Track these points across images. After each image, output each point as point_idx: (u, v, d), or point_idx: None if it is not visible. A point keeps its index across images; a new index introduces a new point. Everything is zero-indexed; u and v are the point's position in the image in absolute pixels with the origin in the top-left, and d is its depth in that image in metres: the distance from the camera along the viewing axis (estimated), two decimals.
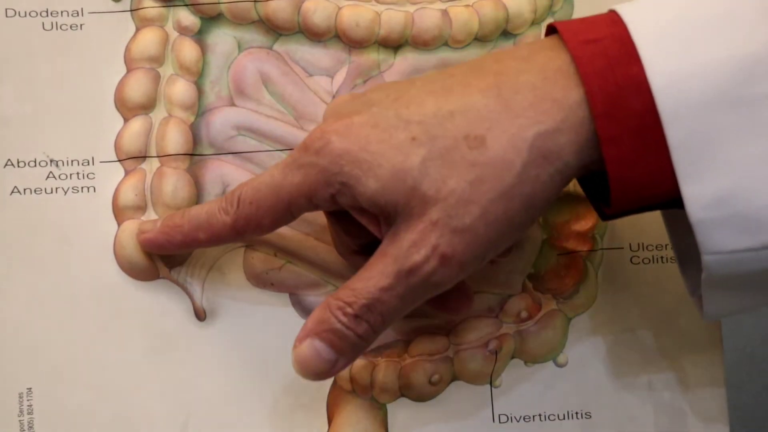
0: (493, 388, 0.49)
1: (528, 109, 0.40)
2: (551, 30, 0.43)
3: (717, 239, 0.40)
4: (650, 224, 0.50)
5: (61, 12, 0.49)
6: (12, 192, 0.48)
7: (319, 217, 0.48)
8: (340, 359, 0.42)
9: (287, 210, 0.43)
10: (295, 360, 0.43)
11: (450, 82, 0.42)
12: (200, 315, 0.49)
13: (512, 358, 0.49)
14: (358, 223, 0.43)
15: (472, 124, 0.40)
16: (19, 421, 0.48)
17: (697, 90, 0.40)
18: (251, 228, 0.44)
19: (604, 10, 0.50)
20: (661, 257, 0.50)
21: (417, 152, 0.40)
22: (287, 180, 0.43)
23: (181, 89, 0.49)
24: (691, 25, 0.41)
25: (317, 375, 0.43)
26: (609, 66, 0.40)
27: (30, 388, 0.48)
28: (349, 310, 0.42)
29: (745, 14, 0.40)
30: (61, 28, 0.49)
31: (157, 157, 0.49)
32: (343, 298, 0.42)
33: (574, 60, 0.40)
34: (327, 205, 0.42)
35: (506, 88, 0.41)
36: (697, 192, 0.40)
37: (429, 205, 0.40)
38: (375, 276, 0.41)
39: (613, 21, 0.41)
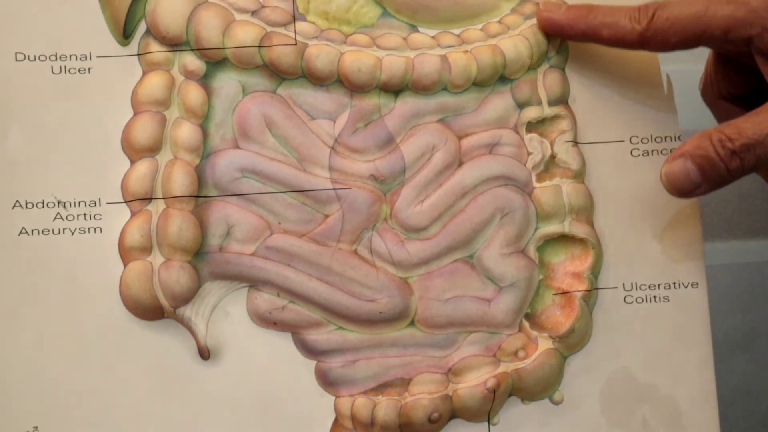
0: (491, 426, 0.50)
1: None
2: None
3: None
4: (643, 264, 0.51)
5: (70, 56, 0.49)
6: (20, 233, 0.48)
7: (321, 258, 0.49)
8: (703, 185, 0.46)
9: (699, 37, 0.46)
10: (665, 173, 0.46)
11: None
12: (204, 354, 0.49)
13: (509, 395, 0.49)
14: (740, 72, 0.48)
15: None
16: None
17: None
18: (657, 41, 0.47)
19: (598, 55, 0.52)
20: (654, 296, 0.51)
21: None
22: (711, 10, 0.46)
23: (186, 132, 0.49)
24: None
25: (680, 192, 0.46)
26: None
27: (36, 427, 0.48)
28: (728, 144, 0.44)
29: None
30: (69, 71, 0.49)
31: (163, 198, 0.49)
32: (727, 132, 0.45)
33: None
34: (736, 45, 0.46)
35: None
36: None
37: None
38: (765, 121, 0.44)
39: None
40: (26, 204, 0.48)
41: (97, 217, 0.49)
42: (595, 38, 0.49)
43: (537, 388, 0.50)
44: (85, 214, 0.49)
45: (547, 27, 0.50)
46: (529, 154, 0.51)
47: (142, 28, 0.50)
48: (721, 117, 0.50)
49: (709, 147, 0.45)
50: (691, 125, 0.52)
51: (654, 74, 0.52)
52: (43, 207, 0.49)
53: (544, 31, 0.50)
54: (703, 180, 0.46)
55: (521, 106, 0.51)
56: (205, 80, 0.49)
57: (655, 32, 0.47)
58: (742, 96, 0.49)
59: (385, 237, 0.50)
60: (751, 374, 0.49)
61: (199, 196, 0.49)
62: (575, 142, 0.51)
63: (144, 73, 0.49)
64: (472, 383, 0.49)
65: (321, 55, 0.49)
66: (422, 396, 0.49)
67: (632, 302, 0.51)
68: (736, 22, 0.45)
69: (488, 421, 0.49)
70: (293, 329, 0.50)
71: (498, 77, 0.51)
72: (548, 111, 0.51)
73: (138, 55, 0.50)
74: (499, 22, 0.51)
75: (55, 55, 0.49)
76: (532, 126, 0.51)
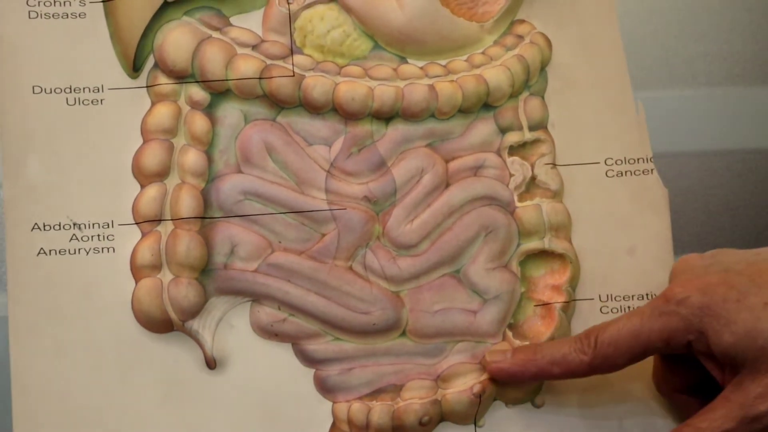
0: (477, 428, 0.52)
1: None
2: None
3: None
4: (618, 277, 0.53)
5: (83, 88, 0.51)
6: (39, 253, 0.50)
7: (319, 273, 0.51)
8: None
9: (643, 351, 0.47)
10: None
11: None
12: (211, 364, 0.51)
13: (494, 400, 0.52)
14: (687, 366, 0.48)
15: None
16: None
17: None
18: (606, 366, 0.47)
19: (577, 81, 0.53)
20: (628, 306, 0.53)
21: None
22: (647, 325, 0.47)
23: (192, 158, 0.51)
24: None
25: None
26: None
27: None
28: None
29: None
30: (83, 103, 0.51)
31: (171, 220, 0.50)
32: None
33: None
34: (679, 349, 0.46)
35: None
36: None
37: None
38: (719, 419, 0.44)
39: None
40: (44, 226, 0.50)
41: (110, 237, 0.50)
42: (547, 377, 0.49)
43: (520, 393, 0.52)
44: (98, 235, 0.50)
45: (498, 376, 0.50)
46: (511, 175, 0.53)
47: (150, 61, 0.51)
48: (680, 408, 0.51)
49: None
50: (662, 148, 0.55)
51: (627, 101, 0.54)
52: (59, 229, 0.50)
53: (497, 379, 0.50)
54: None
55: (503, 131, 0.53)
56: (209, 110, 0.51)
57: (602, 359, 0.47)
58: (693, 386, 0.49)
59: (377, 254, 0.52)
60: None
61: (205, 218, 0.51)
62: (554, 164, 0.53)
63: (152, 104, 0.51)
64: (460, 389, 0.51)
65: (317, 86, 0.51)
66: (413, 401, 0.51)
67: (608, 312, 0.53)
68: (672, 332, 0.46)
69: (475, 424, 0.51)
70: (293, 340, 0.51)
71: (482, 104, 0.53)
72: (529, 135, 0.53)
73: (147, 86, 0.51)
74: (483, 53, 0.53)
75: (70, 88, 0.51)
76: (514, 149, 0.53)
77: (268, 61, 0.51)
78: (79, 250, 0.50)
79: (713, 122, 0.59)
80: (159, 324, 0.50)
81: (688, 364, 0.48)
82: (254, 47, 0.52)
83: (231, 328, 0.51)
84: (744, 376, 0.45)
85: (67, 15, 0.51)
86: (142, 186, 0.51)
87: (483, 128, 0.53)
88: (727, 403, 0.45)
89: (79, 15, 0.51)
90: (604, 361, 0.47)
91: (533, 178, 0.53)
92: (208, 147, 0.51)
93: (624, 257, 0.53)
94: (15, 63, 0.50)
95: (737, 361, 0.45)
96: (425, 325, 0.52)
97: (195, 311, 0.50)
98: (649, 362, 0.51)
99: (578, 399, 0.52)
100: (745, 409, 0.44)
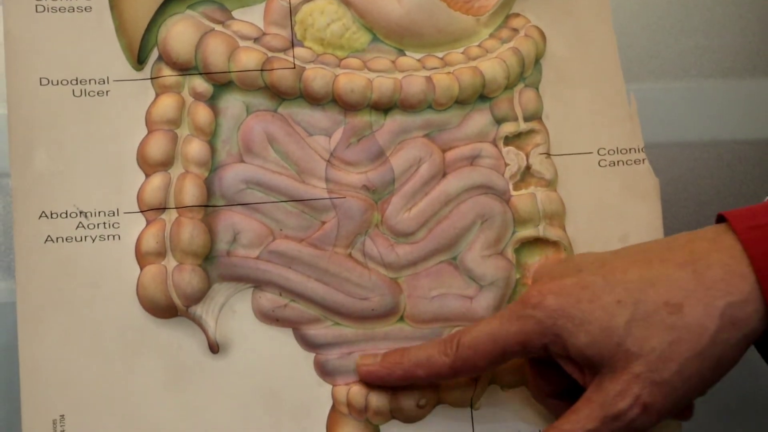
0: (473, 411, 0.53)
1: (719, 282, 0.44)
2: (720, 217, 0.48)
3: None
4: None
5: (89, 80, 0.52)
6: (46, 240, 0.51)
7: (319, 260, 0.52)
8: None
9: (502, 355, 0.47)
10: None
11: (649, 255, 0.47)
12: (214, 348, 0.52)
13: (490, 383, 0.53)
14: (556, 371, 0.48)
15: (671, 293, 0.45)
16: None
17: None
18: (467, 369, 0.48)
19: (571, 73, 0.54)
20: None
21: (622, 313, 0.45)
22: (504, 329, 0.47)
23: (196, 148, 0.52)
24: None
25: None
26: None
27: (63, 415, 0.50)
28: None
29: None
30: (89, 94, 0.52)
31: (176, 208, 0.51)
32: None
33: (741, 242, 0.45)
34: (538, 353, 0.47)
35: (700, 263, 0.45)
36: None
37: (632, 360, 0.45)
38: (582, 419, 0.45)
39: None
40: (51, 214, 0.51)
41: (115, 225, 0.51)
42: (414, 379, 0.50)
43: (514, 378, 0.53)
44: (104, 223, 0.51)
45: (368, 380, 0.51)
46: (506, 165, 0.54)
47: (154, 54, 0.52)
48: (554, 413, 0.51)
49: None
50: (653, 139, 0.56)
51: (619, 93, 0.55)
52: (66, 217, 0.51)
53: (368, 383, 0.51)
54: None
55: (499, 121, 0.54)
56: (212, 101, 0.52)
57: (463, 361, 0.48)
58: (565, 391, 0.50)
59: (376, 241, 0.53)
60: None
61: (208, 206, 0.52)
62: (548, 154, 0.55)
63: (157, 96, 0.52)
64: None
65: (317, 78, 0.52)
66: None
67: None
68: (528, 335, 0.47)
69: (471, 407, 0.53)
70: (294, 325, 0.52)
71: (478, 96, 0.54)
72: (524, 126, 0.54)
73: (151, 78, 0.52)
74: (479, 46, 0.55)
75: (76, 80, 0.52)
76: (509, 140, 0.54)
77: (270, 54, 0.52)
78: (85, 237, 0.51)
79: (703, 114, 0.60)
80: (163, 309, 0.51)
81: (556, 368, 0.48)
82: (256, 40, 0.53)
83: (233, 313, 0.52)
84: (603, 375, 0.45)
85: (74, 9, 0.52)
86: (147, 175, 0.52)
87: (479, 119, 0.54)
88: (589, 403, 0.46)
89: (85, 9, 0.52)
90: (464, 363, 0.48)
91: (528, 168, 0.54)
92: (211, 137, 0.52)
93: (616, 244, 0.54)
94: (23, 56, 0.52)
95: (595, 361, 0.46)
96: (422, 310, 0.53)
97: (198, 297, 0.51)
98: None
99: None
100: (606, 408, 0.45)
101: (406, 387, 0.51)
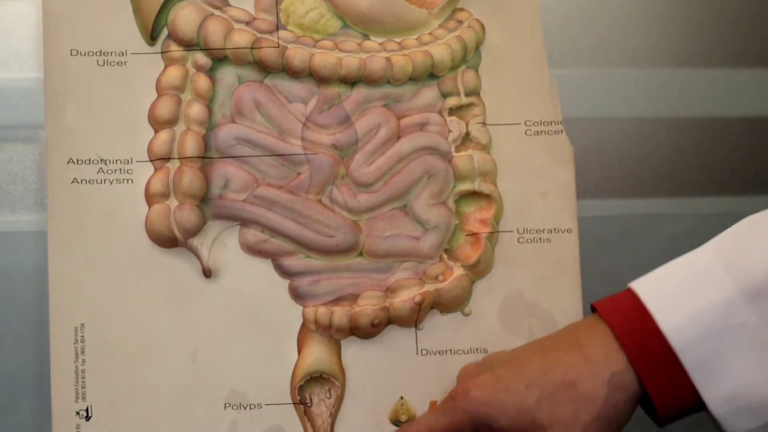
0: (417, 330, 0.58)
1: (602, 359, 0.50)
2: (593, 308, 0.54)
3: (733, 424, 0.49)
4: (532, 215, 0.59)
5: (111, 52, 0.57)
6: (72, 182, 0.56)
7: (294, 204, 0.56)
8: None
9: None
10: None
11: (545, 346, 0.53)
12: (207, 273, 0.56)
13: (431, 308, 0.58)
14: None
15: (566, 373, 0.51)
16: (74, 347, 0.55)
17: (693, 330, 0.49)
18: None
19: (504, 58, 0.58)
20: (539, 238, 0.59)
21: (531, 396, 0.51)
22: (440, 421, 0.53)
23: (196, 110, 0.56)
24: (676, 286, 0.50)
25: None
26: (636, 328, 0.49)
27: (83, 324, 0.56)
28: None
29: (713, 269, 0.49)
30: (110, 64, 0.57)
31: (178, 158, 0.56)
32: None
33: (611, 328, 0.50)
34: None
35: (584, 346, 0.51)
36: (713, 395, 0.49)
37: (545, 430, 0.50)
38: None
39: (630, 296, 0.51)
40: (77, 161, 0.56)
41: (129, 171, 0.56)
42: None
43: (452, 304, 0.58)
44: (120, 170, 0.56)
45: None
46: (449, 131, 0.59)
47: (164, 33, 0.57)
48: None
49: None
50: (570, 114, 0.61)
51: (543, 76, 0.60)
52: (89, 163, 0.56)
53: None
54: None
55: (445, 96, 0.59)
56: (211, 72, 0.57)
57: None
58: None
59: (342, 190, 0.58)
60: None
61: (205, 158, 0.56)
62: (484, 124, 0.59)
63: (165, 66, 0.57)
64: (404, 298, 0.57)
65: (297, 55, 0.57)
66: (367, 307, 0.57)
67: (524, 242, 0.59)
68: (459, 424, 0.51)
69: (415, 327, 0.58)
70: (273, 257, 0.57)
71: (428, 74, 0.59)
72: (465, 100, 0.59)
73: (161, 53, 0.57)
74: (430, 34, 0.59)
75: (100, 52, 0.57)
76: (453, 111, 0.60)
77: (258, 35, 0.57)
78: (104, 180, 0.56)
79: (612, 95, 0.64)
80: (166, 240, 0.56)
81: None
82: (248, 23, 0.57)
83: (224, 246, 0.57)
84: None
85: None
86: (156, 131, 0.57)
87: (428, 93, 0.59)
88: None
89: None
90: None
91: (467, 134, 0.59)
92: (209, 102, 0.57)
93: (538, 199, 0.59)
94: (57, 30, 0.56)
95: None
96: (378, 247, 0.58)
97: (195, 231, 0.56)
98: (549, 278, 0.57)
99: (498, 309, 0.58)
100: None
101: (364, 309, 0.56)
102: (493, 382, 0.52)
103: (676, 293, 0.50)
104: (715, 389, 0.49)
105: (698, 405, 0.50)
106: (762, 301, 0.48)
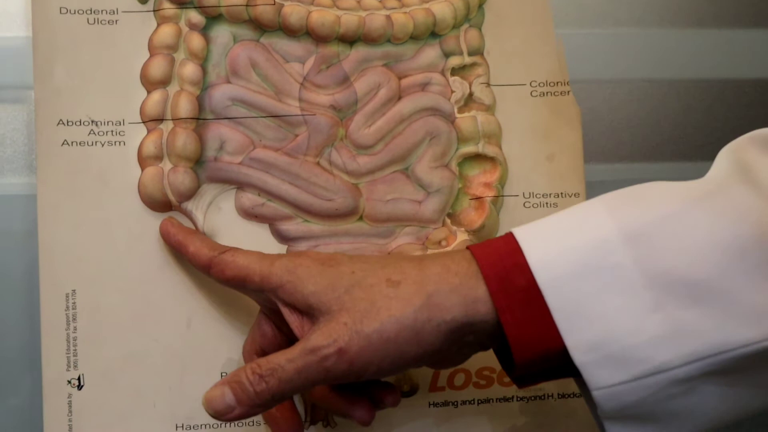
0: None
1: (436, 274, 0.48)
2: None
3: (598, 376, 0.45)
4: (538, 178, 0.59)
5: (101, 10, 0.56)
6: (62, 144, 0.55)
7: (292, 167, 0.56)
8: (238, 407, 0.48)
9: (243, 279, 0.51)
10: (205, 398, 0.48)
11: (391, 257, 0.51)
12: None
13: None
14: (273, 328, 0.52)
15: (396, 274, 0.48)
16: (66, 314, 0.55)
17: (563, 266, 0.46)
18: (216, 271, 0.52)
19: (509, 17, 0.58)
20: (546, 203, 0.59)
21: (350, 279, 0.48)
22: (257, 263, 0.50)
23: (190, 70, 0.56)
24: (556, 227, 0.48)
25: (217, 413, 0.48)
26: (499, 257, 0.47)
27: (74, 290, 0.55)
28: (257, 369, 0.48)
29: (595, 210, 0.47)
30: (101, 23, 0.56)
31: (172, 120, 0.56)
32: (258, 361, 0.48)
33: (473, 254, 0.48)
34: (270, 293, 0.50)
35: (426, 262, 0.49)
36: (576, 340, 0.45)
37: (343, 312, 0.47)
38: (287, 352, 0.48)
39: (507, 236, 0.48)
40: (67, 122, 0.55)
41: (121, 133, 0.56)
42: (183, 252, 0.54)
43: None
44: (112, 131, 0.56)
45: (164, 237, 0.55)
46: (452, 92, 0.59)
47: None
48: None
49: (242, 374, 0.48)
50: (577, 75, 0.61)
51: (549, 35, 0.60)
52: (80, 125, 0.55)
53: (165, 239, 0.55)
54: (237, 402, 0.48)
55: (447, 55, 0.59)
56: (205, 31, 0.57)
57: (217, 263, 0.51)
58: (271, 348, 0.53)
59: (341, 152, 0.58)
60: None
61: (199, 119, 0.56)
62: (488, 84, 0.59)
63: (158, 25, 0.56)
64: None
65: (293, 13, 0.57)
66: None
67: (529, 207, 0.59)
68: (269, 272, 0.49)
69: None
70: (270, 221, 0.57)
71: (430, 33, 0.59)
72: (468, 60, 0.59)
73: (154, 11, 0.57)
74: None
75: (90, 10, 0.56)
76: (455, 71, 0.59)
77: None
78: (95, 142, 0.56)
79: (619, 56, 0.64)
80: (160, 204, 0.56)
81: (277, 325, 0.52)
82: None
83: (219, 210, 0.57)
84: (319, 323, 0.48)
85: None
86: (148, 91, 0.56)
87: (430, 52, 0.59)
88: (298, 342, 0.48)
89: None
90: (217, 265, 0.52)
91: (471, 95, 0.59)
92: (203, 61, 0.57)
93: (544, 162, 0.59)
94: None
95: (314, 309, 0.48)
96: (379, 211, 0.58)
97: (189, 195, 0.56)
98: None
99: None
100: (306, 342, 0.47)
101: None
102: (326, 258, 0.50)
103: (552, 231, 0.48)
104: (579, 334, 0.45)
105: (560, 359, 0.47)
106: (640, 242, 0.46)
